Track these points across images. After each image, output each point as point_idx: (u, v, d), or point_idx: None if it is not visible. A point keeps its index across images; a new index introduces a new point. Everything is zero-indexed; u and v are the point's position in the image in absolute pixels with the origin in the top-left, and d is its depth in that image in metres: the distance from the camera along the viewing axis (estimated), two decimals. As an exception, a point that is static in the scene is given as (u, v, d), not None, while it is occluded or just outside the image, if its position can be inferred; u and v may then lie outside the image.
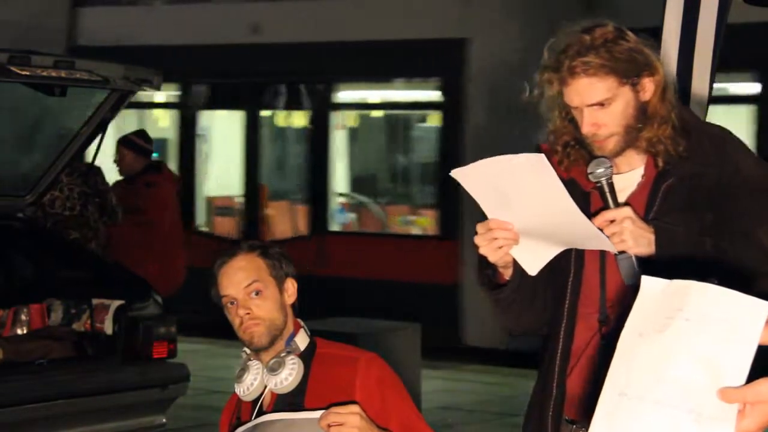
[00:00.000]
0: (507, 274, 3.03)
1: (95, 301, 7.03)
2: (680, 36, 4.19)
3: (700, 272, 2.82)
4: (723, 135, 3.08)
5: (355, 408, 3.07)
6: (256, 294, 3.22)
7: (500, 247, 2.93)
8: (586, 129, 2.93)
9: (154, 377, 6.81)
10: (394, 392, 3.24)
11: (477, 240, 2.96)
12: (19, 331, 7.13)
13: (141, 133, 9.43)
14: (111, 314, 6.92)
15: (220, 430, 3.41)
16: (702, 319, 1.74)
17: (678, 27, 4.20)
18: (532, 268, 2.99)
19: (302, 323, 3.33)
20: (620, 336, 1.82)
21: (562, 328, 3.06)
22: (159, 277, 8.70)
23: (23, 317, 7.16)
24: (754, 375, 1.72)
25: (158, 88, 7.32)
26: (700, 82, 4.20)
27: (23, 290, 7.37)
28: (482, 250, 2.96)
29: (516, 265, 3.00)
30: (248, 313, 3.21)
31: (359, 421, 3.05)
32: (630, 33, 2.94)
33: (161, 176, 9.15)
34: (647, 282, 1.82)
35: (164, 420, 6.88)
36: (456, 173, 2.93)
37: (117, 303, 6.92)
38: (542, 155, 2.84)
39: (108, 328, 6.90)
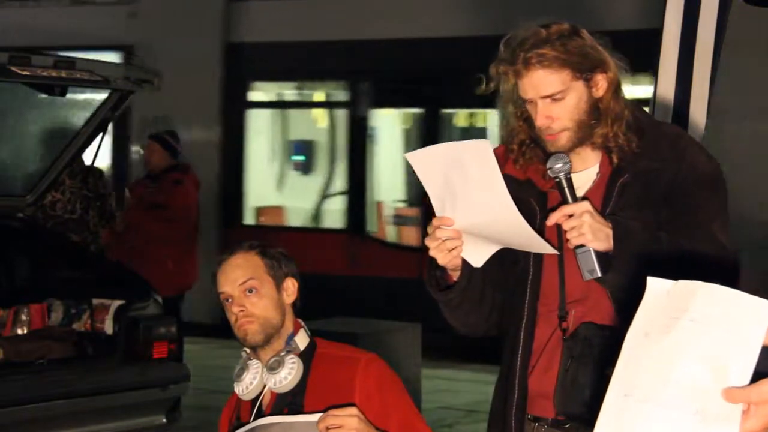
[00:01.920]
0: (455, 275, 3.07)
1: (95, 301, 7.03)
2: (680, 37, 4.20)
3: (658, 266, 2.87)
4: (677, 133, 3.17)
5: (353, 410, 3.07)
6: (251, 291, 3.25)
7: (450, 251, 2.98)
8: (540, 121, 2.98)
9: (154, 377, 6.81)
10: (393, 393, 3.25)
11: (426, 241, 3.00)
12: (19, 331, 7.13)
13: (171, 132, 9.50)
14: (111, 314, 6.92)
15: (219, 430, 3.42)
16: (707, 319, 1.74)
17: (678, 28, 4.20)
18: (476, 261, 3.02)
19: (302, 323, 3.34)
20: (625, 337, 1.82)
21: (522, 326, 3.10)
22: (175, 274, 8.73)
23: (23, 317, 7.16)
24: (758, 375, 1.72)
25: (158, 88, 7.31)
26: (700, 83, 4.20)
27: (23, 290, 7.37)
28: (432, 252, 3.00)
29: (464, 267, 3.04)
30: (242, 311, 3.23)
31: (357, 423, 3.05)
32: (585, 32, 3.01)
33: (188, 176, 9.21)
34: (653, 283, 1.83)
35: (164, 420, 6.88)
36: (410, 156, 2.96)
37: (117, 303, 6.92)
38: (487, 141, 2.89)
39: (108, 328, 6.91)
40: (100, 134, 7.45)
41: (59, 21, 13.88)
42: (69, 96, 6.97)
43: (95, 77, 6.78)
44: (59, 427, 6.48)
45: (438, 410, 8.49)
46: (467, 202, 2.92)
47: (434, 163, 2.93)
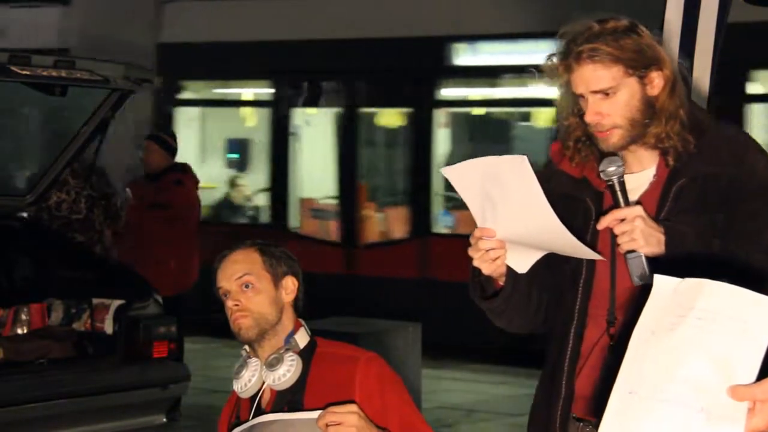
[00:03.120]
0: (501, 281, 3.04)
1: (95, 301, 7.04)
2: (680, 35, 4.20)
3: (709, 274, 2.84)
4: (739, 136, 3.07)
5: (353, 407, 3.07)
6: (247, 287, 3.26)
7: (494, 260, 2.95)
8: (589, 117, 2.93)
9: (154, 377, 6.81)
10: (393, 392, 3.25)
11: (470, 252, 2.97)
12: (19, 331, 7.13)
13: (169, 132, 9.51)
14: (111, 314, 6.92)
15: (219, 429, 3.42)
16: (713, 317, 1.74)
17: (678, 27, 4.20)
18: (521, 267, 3.00)
19: (303, 322, 3.35)
20: (632, 334, 1.82)
21: (572, 328, 3.06)
22: (176, 273, 8.73)
23: (23, 317, 7.16)
24: (764, 373, 1.72)
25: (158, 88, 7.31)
26: (700, 82, 4.20)
27: (23, 290, 7.37)
28: (475, 263, 2.98)
29: (509, 273, 3.01)
30: (237, 305, 3.25)
31: (357, 421, 3.05)
32: (644, 29, 2.94)
33: (188, 176, 9.22)
34: (659, 280, 1.83)
35: (164, 420, 6.88)
36: (446, 171, 2.95)
37: (117, 303, 6.93)
38: (524, 157, 2.83)
39: (108, 327, 6.91)
40: (100, 134, 7.46)
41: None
42: (69, 96, 6.97)
43: (95, 77, 6.78)
44: (59, 427, 6.48)
45: (438, 410, 8.49)
46: (508, 213, 2.89)
47: (471, 177, 2.91)
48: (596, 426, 3.00)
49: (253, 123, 13.80)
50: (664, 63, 2.93)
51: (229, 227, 12.70)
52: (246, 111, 14.05)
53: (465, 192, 2.94)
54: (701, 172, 2.94)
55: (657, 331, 1.79)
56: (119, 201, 9.02)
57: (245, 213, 13.64)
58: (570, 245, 2.89)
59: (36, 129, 7.69)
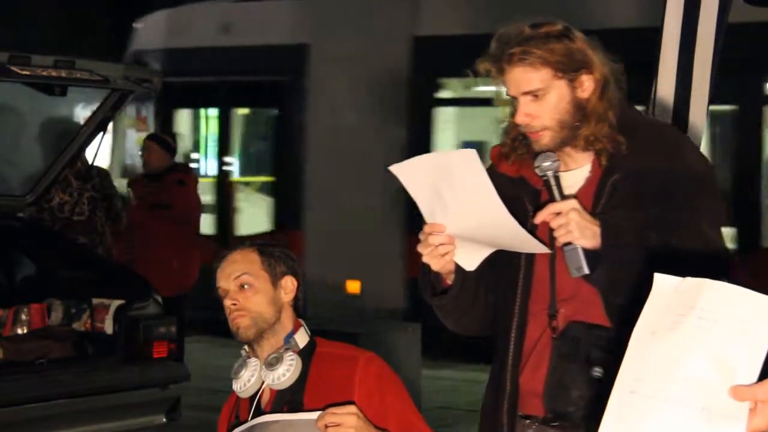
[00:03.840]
0: (449, 279, 3.09)
1: (95, 301, 7.03)
2: (680, 36, 4.20)
3: (646, 264, 2.89)
4: (670, 132, 3.20)
5: (352, 408, 3.08)
6: (245, 287, 3.27)
7: (443, 256, 3.00)
8: (519, 119, 3.00)
9: (154, 377, 6.80)
10: (393, 392, 3.25)
11: (419, 248, 3.02)
12: (19, 331, 7.13)
13: (168, 132, 9.54)
14: (111, 314, 6.92)
15: (219, 429, 3.42)
16: (714, 317, 1.74)
17: (678, 27, 4.20)
18: (469, 264, 3.05)
19: (303, 322, 3.35)
20: (632, 334, 1.82)
21: (513, 326, 3.12)
22: (177, 273, 8.74)
23: (23, 317, 7.16)
24: (765, 373, 1.72)
25: (158, 88, 7.31)
26: (700, 82, 4.20)
27: (23, 290, 7.37)
28: (425, 259, 3.03)
29: (458, 271, 3.06)
30: (235, 304, 3.25)
31: (356, 422, 3.06)
32: (578, 33, 3.02)
33: (190, 176, 9.24)
34: (660, 280, 1.83)
35: (164, 420, 6.88)
36: (394, 169, 2.99)
37: (117, 303, 6.92)
38: (473, 151, 2.90)
39: (108, 328, 6.90)
40: (100, 134, 7.46)
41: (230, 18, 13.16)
42: (69, 96, 6.96)
43: (95, 77, 6.78)
44: (59, 427, 6.48)
45: (438, 410, 8.49)
46: (458, 208, 2.94)
47: (420, 173, 2.96)
48: (543, 422, 3.06)
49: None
50: (594, 66, 3.00)
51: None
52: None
53: (413, 189, 2.99)
54: (635, 167, 3.01)
55: (657, 331, 1.79)
56: (120, 202, 9.03)
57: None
58: (519, 239, 2.94)
59: (36, 129, 7.68)
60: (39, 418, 6.37)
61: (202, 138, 13.95)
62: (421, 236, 3.02)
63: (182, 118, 13.81)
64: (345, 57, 11.75)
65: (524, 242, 2.96)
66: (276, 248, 3.38)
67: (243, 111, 13.36)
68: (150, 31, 13.53)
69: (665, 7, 4.23)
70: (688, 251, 2.95)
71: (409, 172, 2.98)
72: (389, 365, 3.32)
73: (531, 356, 3.09)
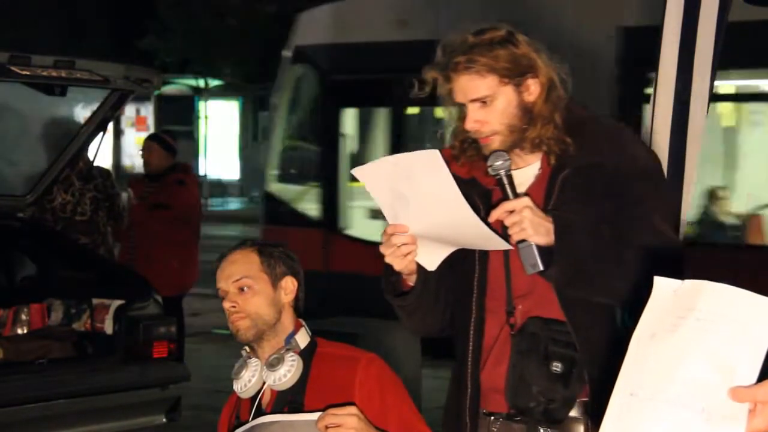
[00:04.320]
0: (411, 280, 3.14)
1: (95, 301, 7.03)
2: (680, 36, 4.19)
3: (600, 258, 2.91)
4: (617, 127, 3.22)
5: (352, 409, 3.08)
6: (245, 289, 3.26)
7: (405, 255, 3.04)
8: (469, 125, 3.05)
9: (154, 377, 6.81)
10: (393, 393, 3.25)
11: (381, 249, 3.06)
12: (19, 331, 7.13)
13: (168, 132, 9.53)
14: (111, 314, 6.92)
15: (219, 429, 3.42)
16: (713, 318, 1.74)
17: (678, 27, 4.19)
18: (430, 264, 3.09)
19: (303, 323, 3.35)
20: (632, 336, 1.82)
21: (471, 324, 3.16)
22: (178, 273, 8.74)
23: (23, 317, 7.16)
24: (765, 374, 1.72)
25: (158, 88, 7.31)
26: (700, 82, 4.20)
27: (23, 290, 7.37)
28: (387, 259, 3.07)
29: (419, 271, 3.10)
30: (234, 306, 3.25)
31: (356, 423, 3.06)
32: (522, 37, 3.07)
33: (190, 176, 9.24)
34: (660, 283, 1.83)
35: (164, 420, 6.88)
36: (356, 171, 3.03)
37: (117, 303, 6.92)
38: (436, 151, 2.93)
39: (108, 328, 6.91)
40: (100, 134, 7.46)
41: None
42: (69, 96, 6.96)
43: (95, 77, 6.78)
44: (59, 427, 6.48)
45: (438, 410, 8.48)
46: (420, 208, 2.98)
47: (382, 175, 3.01)
48: (507, 417, 3.09)
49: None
50: (539, 70, 3.05)
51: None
52: None
53: (375, 190, 3.03)
54: (584, 163, 3.06)
55: (657, 333, 1.79)
56: (122, 202, 9.03)
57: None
58: (482, 236, 2.98)
59: (36, 129, 7.67)
60: (39, 418, 6.37)
61: (372, 138, 12.83)
62: (383, 237, 3.06)
63: (349, 118, 12.66)
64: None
65: (487, 239, 3.00)
66: (276, 248, 3.38)
67: (414, 110, 12.48)
68: (314, 26, 12.39)
69: (665, 6, 4.23)
70: (641, 245, 2.98)
71: (371, 175, 3.03)
72: (389, 365, 3.32)
73: (491, 353, 3.14)
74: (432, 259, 3.08)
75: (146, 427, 6.84)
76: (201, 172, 26.20)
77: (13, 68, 6.46)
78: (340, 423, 3.05)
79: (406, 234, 3.02)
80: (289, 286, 3.33)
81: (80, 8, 34.99)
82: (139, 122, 32.03)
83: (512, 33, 3.06)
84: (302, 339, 3.31)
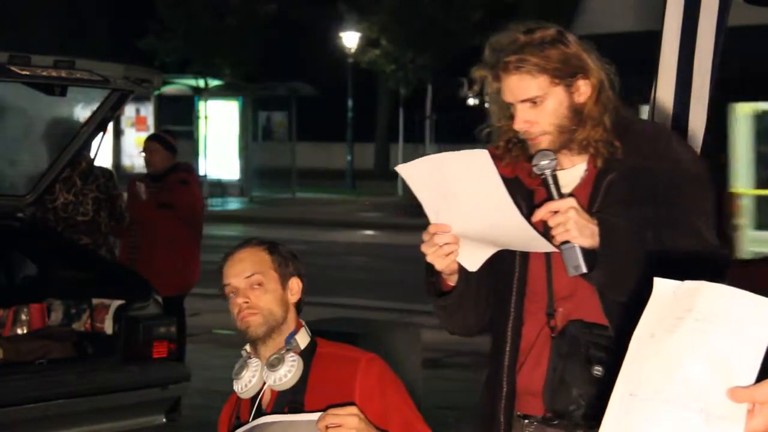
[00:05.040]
0: (452, 280, 3.11)
1: (95, 301, 7.04)
2: (680, 37, 4.20)
3: (643, 262, 2.90)
4: (662, 131, 3.20)
5: (353, 409, 3.08)
6: (257, 285, 3.26)
7: (447, 255, 3.01)
8: (518, 125, 3.03)
9: (154, 377, 6.81)
10: (394, 393, 3.25)
11: (423, 248, 3.03)
12: (19, 331, 7.13)
13: (168, 132, 9.53)
14: (111, 314, 6.92)
15: (218, 430, 3.42)
16: (712, 319, 1.75)
17: (678, 28, 4.20)
18: (472, 264, 3.06)
19: (304, 323, 3.35)
20: (632, 337, 1.83)
21: (509, 325, 3.13)
22: (180, 273, 8.74)
23: (23, 317, 7.16)
24: (763, 375, 1.72)
25: (158, 88, 7.31)
26: (700, 83, 4.20)
27: (23, 290, 7.37)
28: (429, 258, 3.04)
29: (461, 272, 3.07)
30: (246, 302, 3.25)
31: (357, 423, 3.06)
32: (571, 37, 3.04)
33: (192, 176, 9.24)
34: (659, 283, 1.83)
35: (164, 420, 6.88)
36: (400, 169, 3.00)
37: (117, 303, 6.93)
38: (485, 151, 2.92)
39: (108, 328, 6.91)
40: (100, 134, 7.46)
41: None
42: (69, 96, 6.96)
43: (95, 77, 6.78)
44: (59, 427, 6.48)
45: (438, 410, 8.49)
46: (465, 207, 2.95)
47: (425, 173, 2.98)
48: (543, 421, 3.07)
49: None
50: (590, 71, 3.03)
51: None
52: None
53: (418, 188, 3.00)
54: (629, 166, 3.03)
55: (656, 334, 1.79)
56: (123, 203, 9.03)
57: None
58: (528, 238, 2.96)
59: (36, 129, 7.68)
60: (39, 418, 6.37)
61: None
62: (425, 236, 3.03)
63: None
64: None
65: (531, 241, 2.97)
66: (283, 248, 3.39)
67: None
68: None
69: (665, 8, 4.24)
70: (684, 250, 2.96)
71: (415, 172, 2.99)
72: (389, 365, 3.32)
73: (528, 356, 3.11)
74: (474, 259, 3.05)
75: (146, 427, 6.84)
76: (201, 172, 26.20)
77: (13, 68, 6.46)
78: (340, 423, 3.05)
79: (448, 233, 2.99)
80: (295, 287, 3.34)
81: (80, 8, 34.98)
82: (139, 122, 32.01)
83: (562, 32, 3.03)
84: (302, 339, 3.31)
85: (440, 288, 3.15)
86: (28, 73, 6.55)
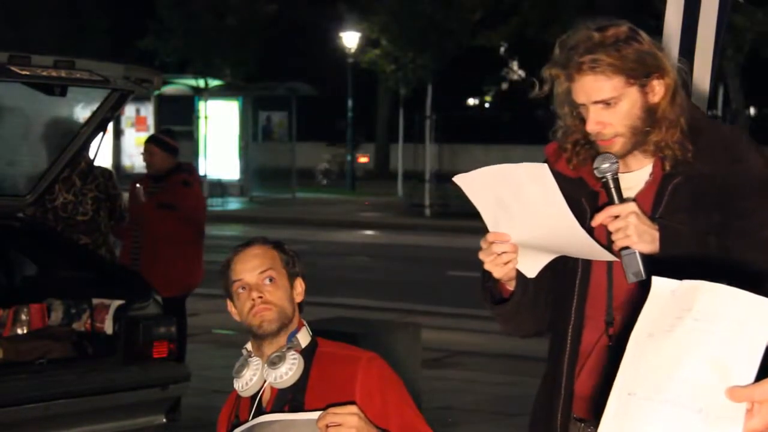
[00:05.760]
0: (510, 286, 3.06)
1: (95, 301, 7.04)
2: (680, 36, 4.20)
3: (706, 272, 2.85)
4: (734, 135, 3.06)
5: (353, 408, 3.08)
6: (270, 281, 3.27)
7: (506, 264, 2.97)
8: (590, 127, 2.93)
9: (154, 377, 6.81)
10: (394, 392, 3.25)
11: (481, 255, 2.99)
12: (19, 331, 7.13)
13: (168, 132, 9.52)
14: (111, 314, 6.92)
15: (218, 429, 3.42)
16: (711, 318, 1.74)
17: (678, 27, 4.20)
18: (530, 271, 3.03)
19: (305, 322, 3.36)
20: (630, 336, 1.82)
21: (570, 329, 3.08)
22: (182, 274, 8.74)
23: (23, 317, 7.16)
24: (762, 374, 1.72)
25: (158, 88, 7.30)
26: (700, 82, 4.20)
27: (23, 290, 7.37)
28: (487, 266, 3.00)
29: (518, 278, 3.03)
30: (261, 297, 3.25)
31: (357, 422, 3.06)
32: (644, 34, 2.93)
33: (194, 177, 9.24)
34: (658, 283, 1.83)
35: (164, 420, 6.88)
36: (459, 179, 2.96)
37: (117, 303, 6.92)
38: (545, 165, 2.86)
39: (108, 328, 6.91)
40: (101, 134, 7.45)
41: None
42: (69, 96, 6.96)
43: (95, 77, 6.78)
44: (59, 427, 6.48)
45: (438, 410, 8.49)
46: (523, 217, 2.92)
47: (483, 183, 2.94)
48: (597, 426, 3.04)
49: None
50: (665, 71, 2.92)
51: None
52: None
53: (476, 198, 2.97)
54: (697, 171, 2.94)
55: (655, 333, 1.79)
56: (123, 203, 9.03)
57: None
58: (587, 246, 2.90)
59: (36, 129, 7.67)
60: (39, 418, 6.37)
61: None
62: (484, 244, 2.98)
63: None
64: None
65: (591, 250, 2.92)
66: (288, 248, 3.40)
67: None
68: None
69: (665, 7, 4.24)
70: (748, 261, 2.85)
71: (474, 183, 2.96)
72: (389, 365, 3.32)
73: (587, 361, 3.06)
74: (532, 266, 3.02)
75: (146, 427, 6.84)
76: (201, 172, 26.19)
77: (13, 68, 6.46)
78: (340, 422, 3.05)
79: (507, 242, 2.95)
80: (299, 287, 3.36)
81: (80, 8, 34.97)
82: (139, 122, 32.01)
83: (635, 29, 2.93)
84: (303, 338, 3.32)
85: (498, 295, 3.10)
86: (28, 73, 6.54)
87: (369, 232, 23.97)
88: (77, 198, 8.75)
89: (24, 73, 6.52)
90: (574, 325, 3.07)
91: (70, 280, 7.38)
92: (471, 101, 51.21)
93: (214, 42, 31.21)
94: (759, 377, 1.72)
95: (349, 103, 33.00)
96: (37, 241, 7.65)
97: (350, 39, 32.52)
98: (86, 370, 6.74)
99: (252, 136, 32.37)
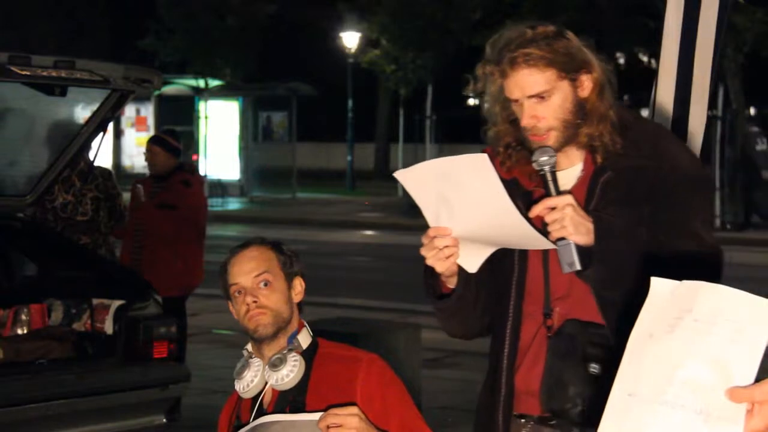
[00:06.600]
0: (451, 282, 3.11)
1: (95, 301, 7.03)
2: (680, 36, 4.19)
3: (637, 261, 2.91)
4: (660, 131, 3.21)
5: (353, 409, 3.08)
6: (265, 284, 3.26)
7: (447, 258, 3.02)
8: (525, 121, 3.02)
9: (155, 377, 6.81)
10: (395, 393, 3.25)
11: (422, 251, 3.04)
12: (19, 331, 7.13)
13: (171, 132, 9.52)
14: (111, 314, 6.92)
15: (219, 430, 3.42)
16: (711, 319, 1.75)
17: (678, 27, 4.19)
18: (472, 266, 3.07)
19: (305, 323, 3.35)
20: (630, 337, 1.83)
21: (508, 326, 3.14)
22: (183, 274, 8.74)
23: (23, 317, 7.16)
24: (762, 374, 1.72)
25: (158, 88, 7.30)
26: (700, 82, 4.20)
27: (23, 290, 7.37)
28: (429, 261, 3.05)
29: (460, 274, 3.08)
30: (255, 301, 3.24)
31: (358, 423, 3.06)
32: (570, 33, 3.04)
33: (195, 177, 9.24)
34: (657, 283, 1.83)
35: (164, 420, 6.88)
36: (399, 175, 3.01)
37: (117, 303, 6.92)
38: (485, 155, 2.93)
39: (108, 328, 6.91)
40: (101, 134, 7.45)
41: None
42: (69, 96, 6.96)
43: (95, 77, 6.78)
44: (59, 427, 6.48)
45: (438, 410, 8.49)
46: (464, 210, 2.97)
47: (424, 179, 3.00)
48: (539, 421, 3.07)
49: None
50: (592, 66, 3.03)
51: None
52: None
53: (417, 193, 3.02)
54: (626, 165, 3.04)
55: (655, 334, 1.79)
56: (122, 203, 9.03)
57: None
58: (527, 236, 2.97)
59: (36, 129, 7.67)
60: (39, 418, 6.37)
61: None
62: (425, 239, 3.03)
63: None
64: None
65: (531, 240, 2.98)
66: (287, 248, 3.38)
67: None
68: None
69: (665, 7, 4.23)
70: (680, 250, 2.97)
71: (414, 178, 3.01)
72: (390, 366, 3.32)
73: (526, 355, 3.11)
74: (473, 260, 3.07)
75: (146, 427, 6.83)
76: (201, 172, 26.21)
77: (13, 68, 6.46)
78: (341, 423, 3.05)
79: (448, 236, 3.00)
80: (298, 286, 3.35)
81: (80, 8, 34.98)
82: (139, 122, 32.03)
83: (561, 29, 3.04)
84: (304, 339, 3.31)
85: (440, 290, 3.15)
86: (28, 73, 6.54)
87: (369, 232, 23.98)
88: (76, 198, 8.75)
89: (24, 73, 6.53)
90: (512, 322, 3.13)
91: (70, 280, 7.37)
92: (471, 101, 51.22)
93: (214, 42, 31.24)
94: (759, 378, 1.72)
95: (349, 103, 33.01)
96: (38, 242, 7.65)
97: (350, 39, 32.53)
98: (86, 370, 6.74)
99: (252, 136, 32.37)
